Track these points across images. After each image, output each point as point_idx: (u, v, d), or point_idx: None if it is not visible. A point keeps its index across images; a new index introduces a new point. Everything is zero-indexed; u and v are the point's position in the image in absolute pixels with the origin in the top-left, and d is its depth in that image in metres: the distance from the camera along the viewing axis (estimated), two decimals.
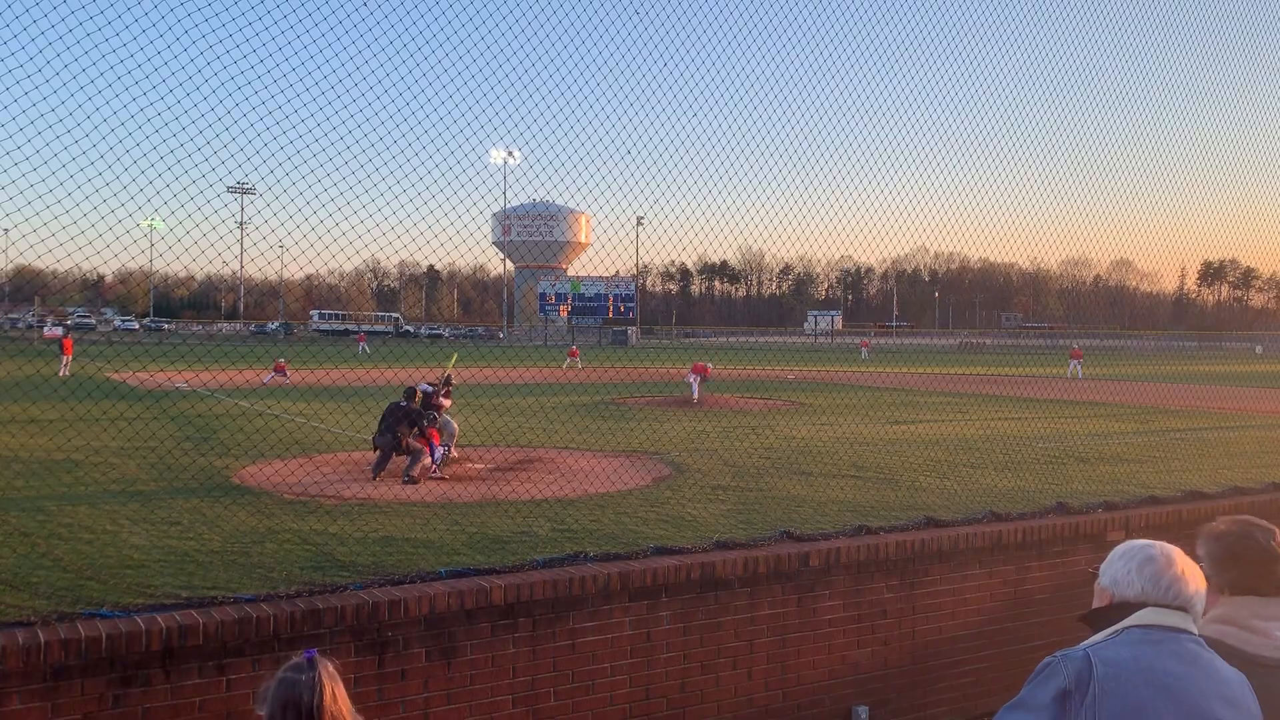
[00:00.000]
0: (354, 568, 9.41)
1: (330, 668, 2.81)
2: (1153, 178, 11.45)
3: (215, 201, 6.65)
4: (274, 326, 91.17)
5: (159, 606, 5.04)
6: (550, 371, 34.88)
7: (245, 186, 6.69)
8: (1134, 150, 11.33)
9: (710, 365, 33.26)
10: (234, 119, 6.09)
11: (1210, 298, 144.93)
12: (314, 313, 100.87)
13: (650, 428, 20.79)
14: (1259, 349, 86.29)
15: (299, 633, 4.98)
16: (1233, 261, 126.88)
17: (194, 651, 4.77)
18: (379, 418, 16.24)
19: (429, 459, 16.03)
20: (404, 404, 16.26)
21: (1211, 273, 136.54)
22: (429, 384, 16.88)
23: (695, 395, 32.34)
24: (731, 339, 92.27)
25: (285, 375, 35.81)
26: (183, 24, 5.68)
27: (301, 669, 2.71)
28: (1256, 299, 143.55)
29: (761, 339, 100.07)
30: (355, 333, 79.83)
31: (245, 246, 7.63)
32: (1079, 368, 43.19)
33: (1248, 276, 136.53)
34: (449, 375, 19.28)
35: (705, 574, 6.00)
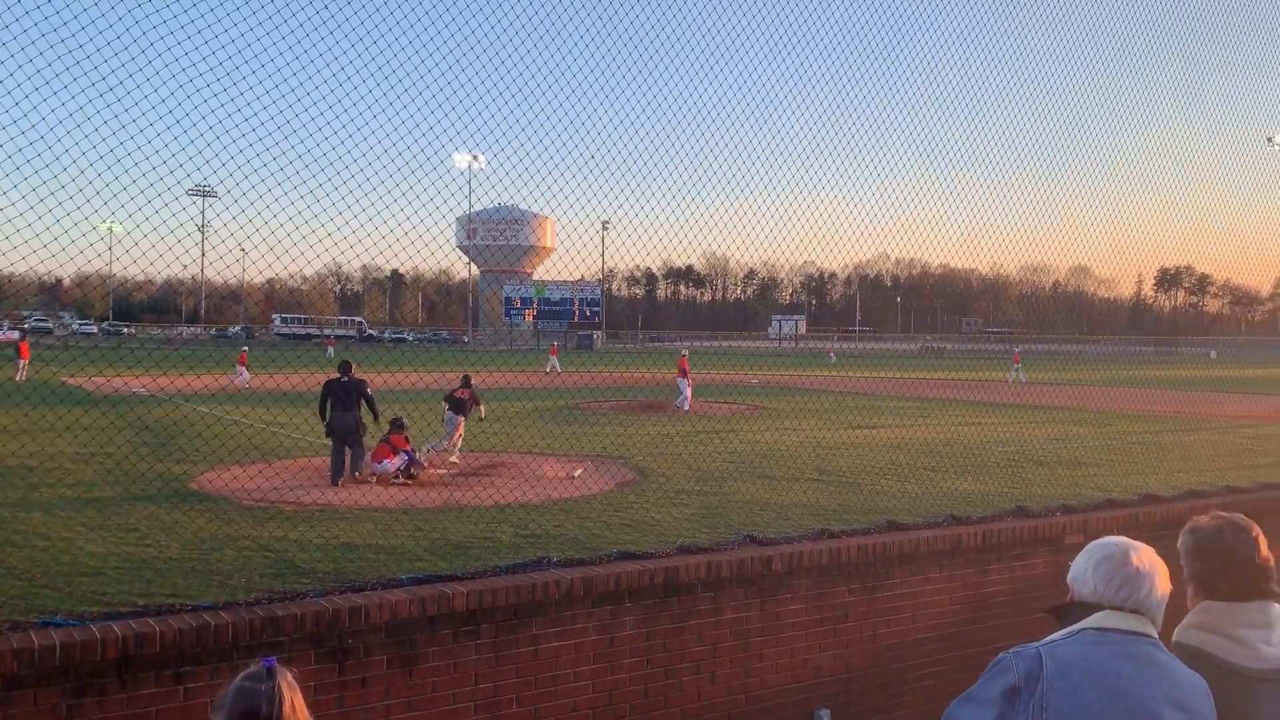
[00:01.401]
0: (314, 574, 9.34)
1: (289, 677, 2.78)
2: (1110, 185, 11.63)
3: (173, 204, 6.58)
4: (235, 330, 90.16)
5: (115, 615, 4.97)
6: (517, 376, 34.76)
7: (206, 189, 6.62)
8: (1092, 158, 11.50)
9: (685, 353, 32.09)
10: (192, 120, 6.03)
11: (1167, 304, 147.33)
12: (276, 316, 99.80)
13: (615, 432, 20.79)
14: (1213, 354, 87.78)
15: (258, 641, 4.93)
16: (1188, 268, 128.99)
17: (151, 660, 4.71)
18: (320, 399, 15.94)
19: (394, 465, 15.95)
20: (345, 379, 15.99)
21: (1168, 279, 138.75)
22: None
23: (685, 402, 30.51)
24: (696, 343, 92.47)
25: (245, 369, 35.62)
26: (140, 25, 5.61)
27: (260, 678, 2.68)
28: (1211, 305, 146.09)
29: (726, 343, 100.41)
30: (318, 337, 79.19)
31: (206, 250, 7.54)
32: (1020, 372, 44.81)
33: (1203, 283, 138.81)
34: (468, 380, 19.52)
35: (668, 579, 6.01)
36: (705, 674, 6.17)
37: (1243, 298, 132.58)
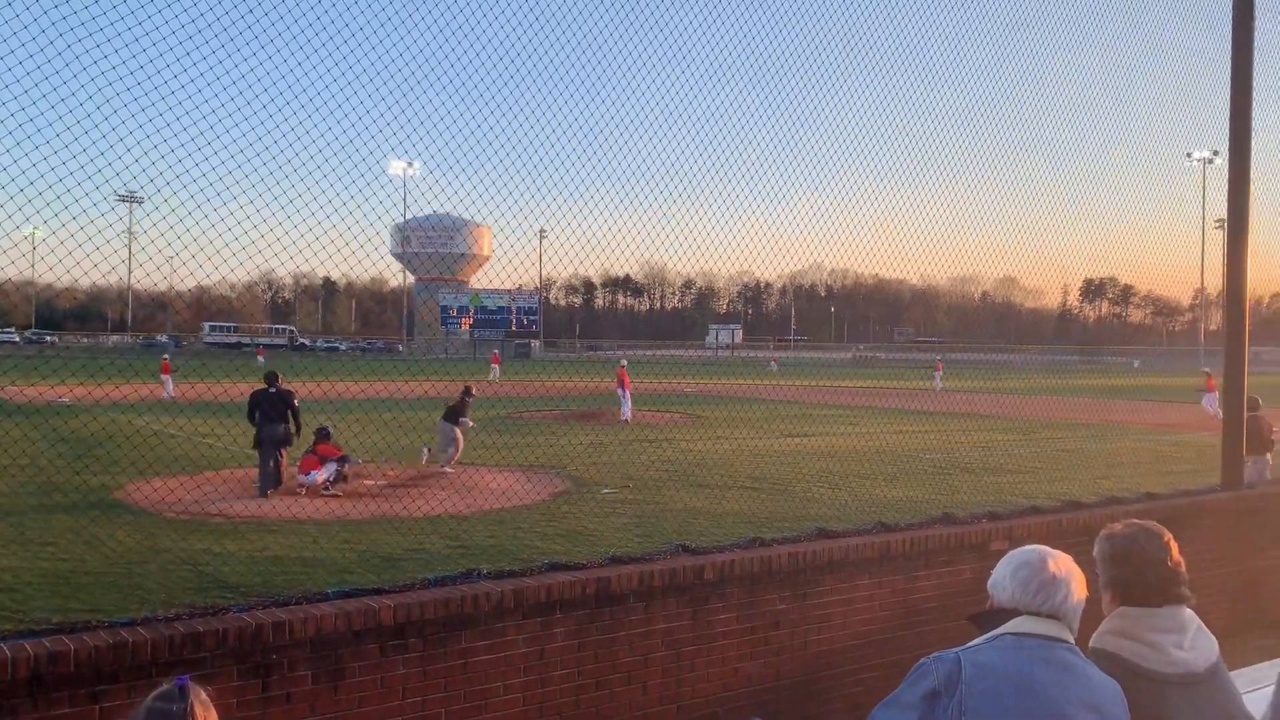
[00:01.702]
0: (240, 589, 9.16)
1: (204, 695, 2.71)
2: (1037, 198, 11.88)
3: (96, 209, 6.40)
4: (163, 339, 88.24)
5: (28, 632, 4.81)
6: (454, 386, 34.41)
7: (133, 195, 6.47)
8: (1020, 171, 11.75)
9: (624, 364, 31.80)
10: (114, 123, 5.87)
11: (1092, 314, 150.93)
12: (205, 325, 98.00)
13: (549, 442, 20.72)
14: (1136, 363, 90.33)
15: (178, 657, 4.81)
16: (1112, 279, 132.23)
17: (65, 679, 4.57)
18: (248, 409, 15.93)
19: (322, 475, 15.71)
20: (272, 389, 15.98)
21: (1093, 290, 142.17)
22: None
23: (627, 412, 30.35)
24: (634, 352, 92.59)
25: (169, 377, 34.91)
26: (57, 27, 5.46)
27: (172, 698, 2.61)
28: (1135, 315, 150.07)
29: (663, 352, 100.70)
30: (248, 345, 77.83)
31: (134, 257, 7.35)
32: (941, 379, 46.45)
33: (1126, 294, 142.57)
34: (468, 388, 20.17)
35: (600, 589, 5.99)
36: (637, 684, 6.16)
37: (1164, 308, 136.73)
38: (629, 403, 30.48)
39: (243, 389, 13.31)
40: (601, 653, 6.02)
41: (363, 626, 5.22)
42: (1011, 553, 2.93)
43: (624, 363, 31.87)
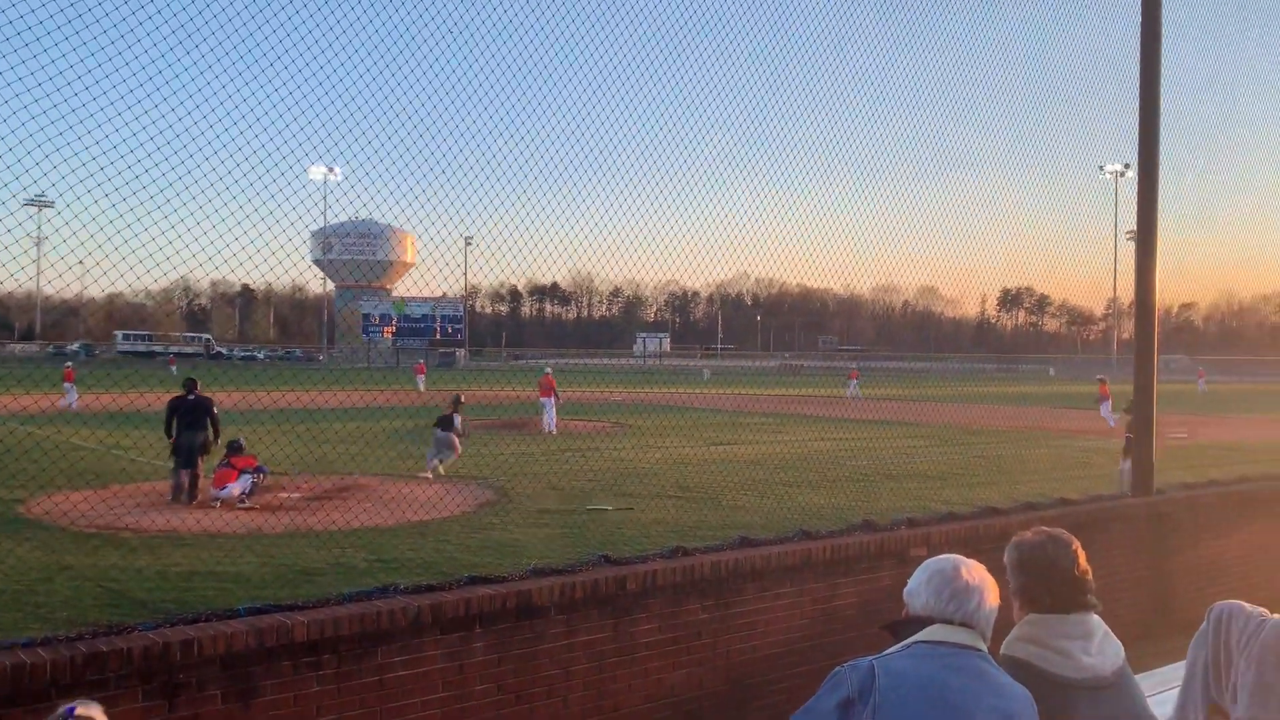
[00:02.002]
0: (150, 606, 8.89)
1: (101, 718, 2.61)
2: (956, 208, 12.12)
3: (3, 210, 6.16)
4: (74, 347, 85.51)
5: None
6: (377, 395, 33.93)
7: (42, 200, 6.23)
8: (939, 182, 11.98)
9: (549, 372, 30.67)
10: (13, 125, 5.65)
11: (1009, 323, 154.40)
12: (118, 333, 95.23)
13: (475, 451, 20.51)
14: (1052, 371, 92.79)
15: (80, 680, 4.63)
16: (1028, 289, 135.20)
17: None
18: (165, 417, 15.89)
19: (238, 488, 15.35)
20: (191, 397, 16.03)
21: (1009, 299, 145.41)
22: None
23: (550, 423, 29.08)
24: (561, 361, 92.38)
25: (72, 386, 33.84)
26: None
27: None
28: (1050, 324, 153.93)
29: (591, 361, 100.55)
30: (162, 354, 75.81)
31: (43, 263, 7.07)
32: (857, 387, 47.46)
33: (1041, 303, 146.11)
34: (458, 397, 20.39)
35: (521, 602, 5.93)
36: (558, 698, 6.10)
37: (1078, 318, 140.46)
38: (553, 412, 29.43)
39: (151, 400, 12.92)
40: (522, 666, 5.95)
41: (275, 643, 5.09)
42: (926, 561, 2.97)
43: (548, 370, 31.27)
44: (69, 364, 35.75)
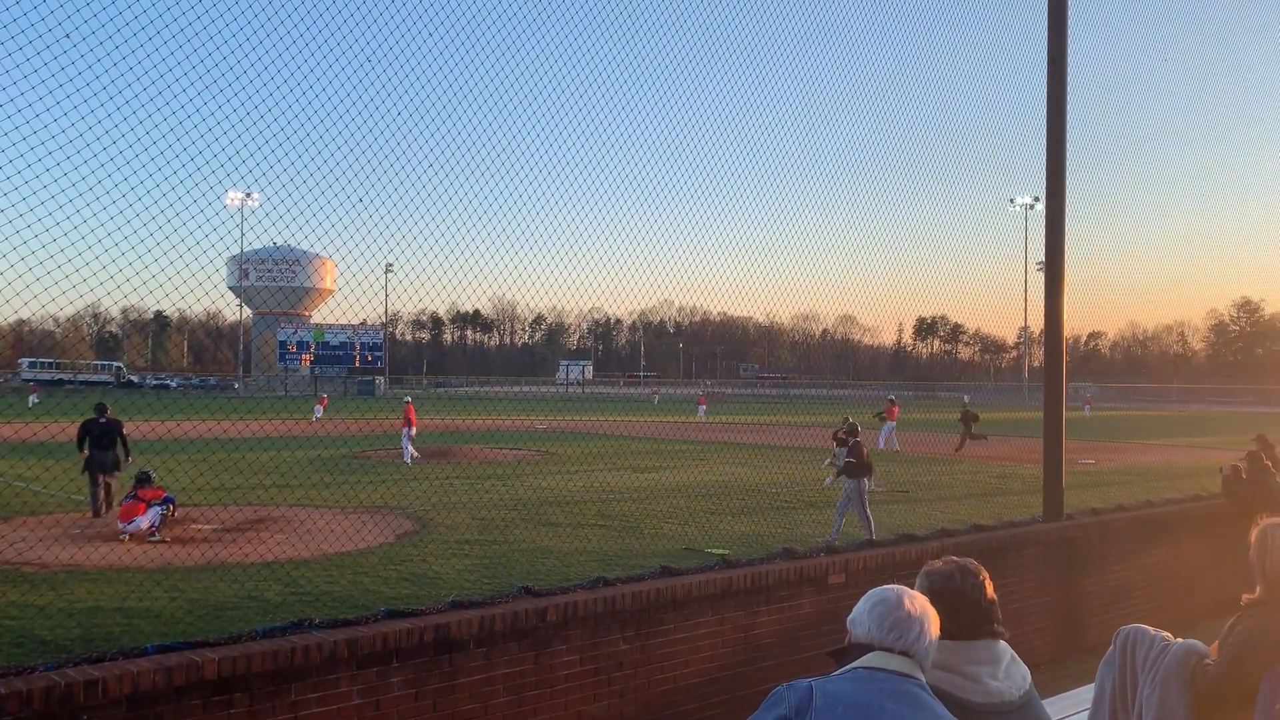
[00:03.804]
0: (54, 645, 8.56)
1: None
2: (872, 238, 12.39)
3: None
4: None
5: None
6: (290, 424, 33.31)
7: None
8: (855, 211, 12.23)
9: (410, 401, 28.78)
10: None
11: (925, 351, 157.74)
12: (23, 361, 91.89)
13: (395, 481, 20.21)
14: (967, 398, 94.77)
15: None
16: (943, 318, 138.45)
17: None
18: (78, 437, 16.51)
19: (146, 521, 14.88)
20: (102, 419, 16.85)
21: (925, 328, 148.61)
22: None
23: (410, 454, 27.70)
24: (484, 389, 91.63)
25: None
26: None
27: None
28: (964, 352, 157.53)
29: (514, 389, 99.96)
30: (70, 383, 73.33)
31: None
32: (704, 412, 51.93)
33: (956, 332, 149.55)
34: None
35: (439, 636, 5.85)
36: None
37: (991, 346, 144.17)
38: (410, 445, 27.96)
39: (55, 430, 12.52)
40: (441, 701, 5.87)
41: (184, 682, 4.94)
42: (871, 590, 3.03)
43: (409, 399, 29.11)
44: None
